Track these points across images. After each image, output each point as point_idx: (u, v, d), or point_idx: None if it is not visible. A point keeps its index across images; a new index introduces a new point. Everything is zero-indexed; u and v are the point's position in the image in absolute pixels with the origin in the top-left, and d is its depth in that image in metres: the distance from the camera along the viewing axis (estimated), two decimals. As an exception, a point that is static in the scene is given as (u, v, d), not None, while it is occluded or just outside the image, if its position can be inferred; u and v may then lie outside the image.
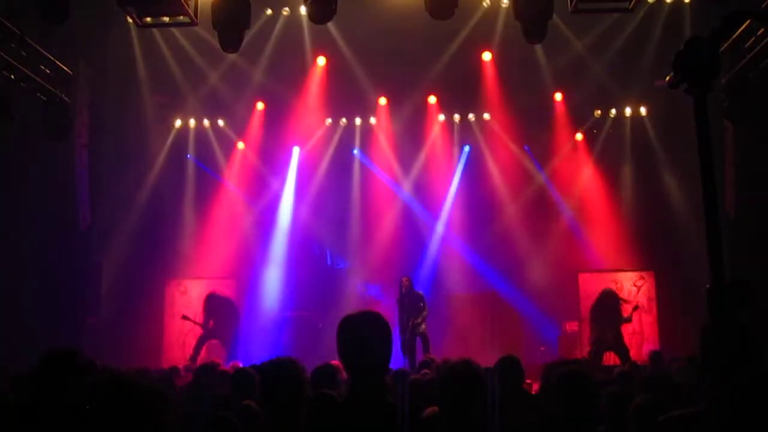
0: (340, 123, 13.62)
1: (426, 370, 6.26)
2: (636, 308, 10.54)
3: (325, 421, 2.55)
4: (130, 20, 9.34)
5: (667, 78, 1.67)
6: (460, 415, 3.15)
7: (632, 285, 12.08)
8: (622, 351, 9.88)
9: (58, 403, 2.02)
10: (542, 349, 11.81)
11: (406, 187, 13.54)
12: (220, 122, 13.44)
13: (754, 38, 8.31)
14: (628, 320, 10.16)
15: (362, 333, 2.52)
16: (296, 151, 13.53)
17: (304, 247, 13.24)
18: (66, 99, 9.73)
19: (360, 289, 12.72)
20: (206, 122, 13.41)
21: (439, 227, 13.36)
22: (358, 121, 13.62)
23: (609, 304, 10.16)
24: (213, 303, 11.15)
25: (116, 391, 1.61)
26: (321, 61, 12.41)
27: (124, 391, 1.62)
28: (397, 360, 9.99)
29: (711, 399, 2.48)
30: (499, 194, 13.23)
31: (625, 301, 10.52)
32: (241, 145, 13.57)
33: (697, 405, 2.58)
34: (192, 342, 11.40)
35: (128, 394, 1.62)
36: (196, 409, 4.71)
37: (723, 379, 2.36)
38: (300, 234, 13.26)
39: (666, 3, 10.72)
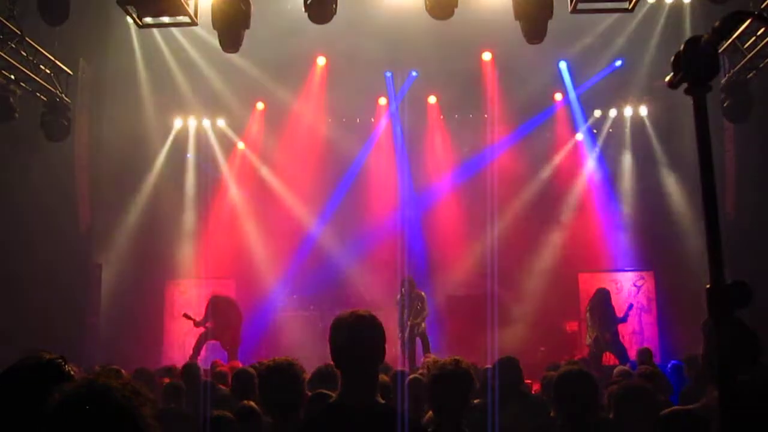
0: (339, 123, 13.63)
1: (424, 370, 6.25)
2: (631, 307, 10.54)
3: (318, 421, 2.54)
4: (130, 20, 9.34)
5: (667, 78, 1.67)
6: (452, 414, 3.13)
7: (632, 285, 12.08)
8: (620, 351, 9.88)
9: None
10: (542, 349, 11.80)
11: (406, 187, 13.54)
12: (220, 122, 13.44)
13: (754, 38, 8.32)
14: (624, 320, 10.17)
15: (354, 333, 2.50)
16: (295, 150, 13.52)
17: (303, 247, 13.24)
18: (66, 99, 9.73)
19: (360, 289, 12.70)
20: (206, 122, 13.42)
21: (439, 227, 13.36)
22: (357, 121, 13.63)
23: (604, 303, 10.14)
24: (215, 305, 11.08)
25: (89, 399, 1.62)
26: (321, 61, 12.41)
27: (96, 398, 1.62)
28: (397, 361, 9.98)
29: (713, 397, 2.49)
30: (499, 194, 13.22)
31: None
32: (241, 145, 13.58)
33: (699, 402, 2.59)
34: (192, 342, 11.38)
35: (101, 401, 1.62)
36: (195, 409, 4.71)
37: (725, 378, 2.36)
38: (300, 234, 13.26)
39: (666, 3, 10.72)
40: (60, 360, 2.19)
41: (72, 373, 2.14)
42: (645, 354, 7.94)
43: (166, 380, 6.29)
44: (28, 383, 2.08)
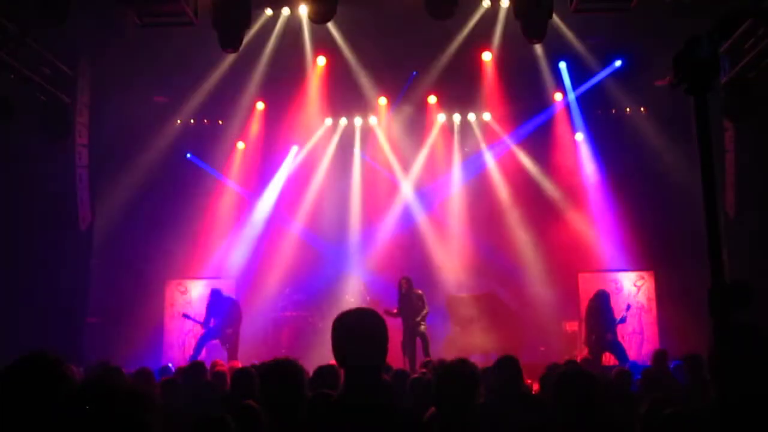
0: (340, 123, 13.63)
1: (425, 370, 6.26)
2: (629, 308, 10.52)
3: (319, 421, 2.54)
4: (130, 20, 9.34)
5: (668, 78, 1.67)
6: (458, 415, 3.14)
7: (632, 285, 12.07)
8: (619, 351, 9.89)
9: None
10: (542, 349, 11.80)
11: (406, 187, 13.55)
12: (220, 122, 13.44)
13: (754, 38, 8.32)
14: (622, 321, 10.18)
15: (356, 331, 2.49)
16: (295, 150, 13.53)
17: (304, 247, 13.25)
18: (66, 99, 9.74)
19: (360, 288, 12.71)
20: (206, 122, 13.40)
21: (439, 227, 13.37)
22: (358, 121, 13.63)
23: (604, 304, 10.15)
24: (216, 300, 11.04)
25: (99, 399, 1.63)
26: (321, 61, 12.40)
27: (106, 398, 1.63)
28: (397, 361, 9.99)
29: (715, 398, 2.48)
30: (498, 194, 13.23)
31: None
32: (241, 144, 13.57)
33: (701, 403, 2.59)
34: (192, 342, 11.39)
35: (110, 401, 1.63)
36: (195, 409, 4.71)
37: (729, 379, 2.36)
38: (300, 234, 13.27)
39: (666, 2, 10.70)
40: (58, 360, 2.20)
41: (69, 373, 2.15)
42: (657, 356, 7.89)
43: (165, 379, 6.30)
44: (26, 382, 2.09)
